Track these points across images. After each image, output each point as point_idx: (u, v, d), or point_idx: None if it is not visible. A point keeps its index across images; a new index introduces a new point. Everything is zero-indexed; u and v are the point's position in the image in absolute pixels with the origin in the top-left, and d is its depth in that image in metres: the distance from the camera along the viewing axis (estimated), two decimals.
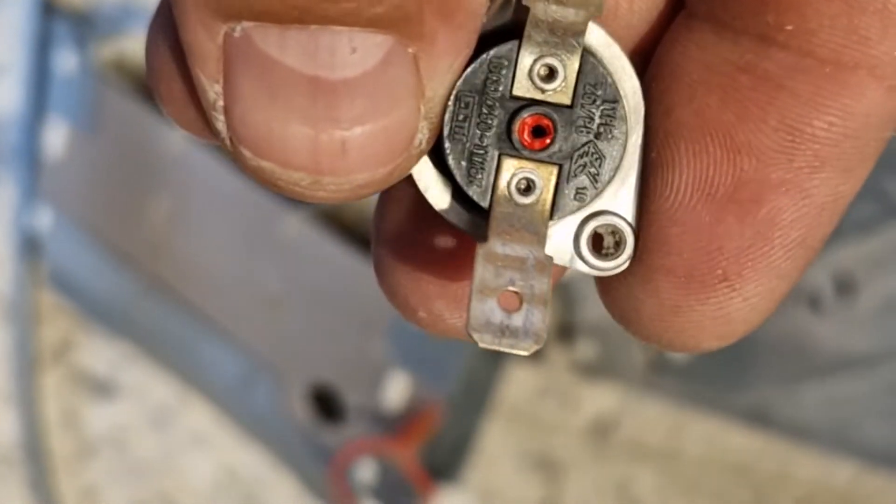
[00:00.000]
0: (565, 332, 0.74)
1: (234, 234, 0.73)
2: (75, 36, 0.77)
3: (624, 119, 0.22)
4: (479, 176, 0.21)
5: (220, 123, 0.20)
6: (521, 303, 0.20)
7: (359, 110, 0.20)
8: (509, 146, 0.21)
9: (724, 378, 0.70)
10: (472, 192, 0.21)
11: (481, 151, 0.21)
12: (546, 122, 0.21)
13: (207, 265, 0.74)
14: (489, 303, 0.20)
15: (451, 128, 0.21)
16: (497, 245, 0.21)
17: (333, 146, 0.20)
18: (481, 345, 0.20)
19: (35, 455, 0.77)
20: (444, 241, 0.23)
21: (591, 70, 0.21)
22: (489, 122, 0.21)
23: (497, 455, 0.74)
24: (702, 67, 0.21)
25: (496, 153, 0.21)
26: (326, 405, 0.71)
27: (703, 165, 0.21)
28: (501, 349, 0.20)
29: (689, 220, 0.22)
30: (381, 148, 0.20)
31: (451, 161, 0.21)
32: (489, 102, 0.21)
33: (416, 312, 0.23)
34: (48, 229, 0.80)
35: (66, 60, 0.78)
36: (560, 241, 0.22)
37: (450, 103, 0.21)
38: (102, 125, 0.76)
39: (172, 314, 0.76)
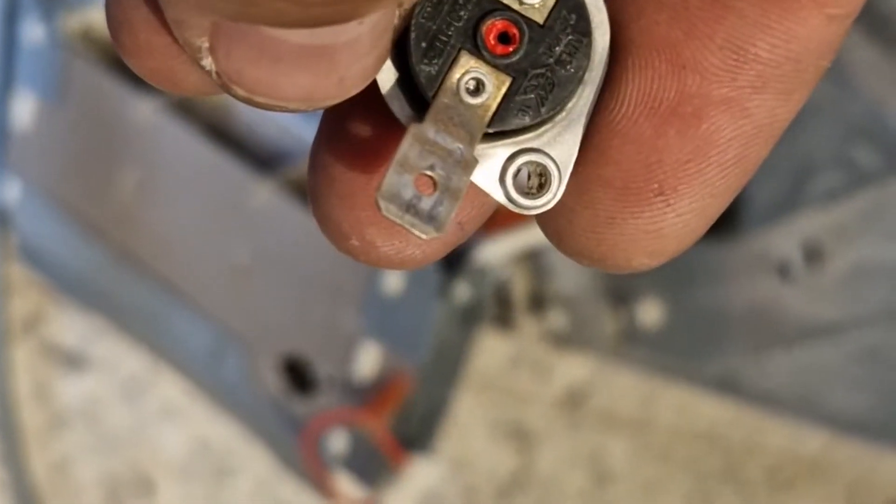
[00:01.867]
0: (536, 301, 0.74)
1: (203, 205, 0.73)
2: (42, 6, 0.77)
3: (586, 56, 0.22)
4: (435, 61, 0.22)
5: (206, 62, 0.20)
6: (434, 189, 0.20)
7: (358, 54, 0.20)
8: (472, 43, 0.22)
9: (695, 347, 0.70)
10: (422, 73, 0.22)
11: (444, 38, 0.22)
12: (514, 30, 0.22)
13: (176, 236, 0.74)
14: (405, 178, 0.20)
15: (422, 8, 0.21)
16: (430, 130, 0.21)
17: (331, 83, 0.20)
18: (384, 213, 0.20)
19: (6, 428, 0.77)
20: (380, 169, 0.23)
21: (572, 0, 0.22)
22: (461, 13, 0.22)
23: (469, 425, 0.74)
24: None
25: (458, 45, 0.22)
26: (297, 376, 0.71)
27: (649, 79, 0.22)
28: (402, 224, 0.20)
29: (631, 131, 0.22)
30: (373, 68, 0.21)
31: (412, 38, 0.21)
32: None
33: (349, 240, 0.23)
34: (16, 201, 0.80)
35: (33, 31, 0.77)
36: (488, 166, 0.22)
37: None
38: (70, 96, 0.76)
39: (142, 286, 0.75)
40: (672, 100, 0.22)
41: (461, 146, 0.21)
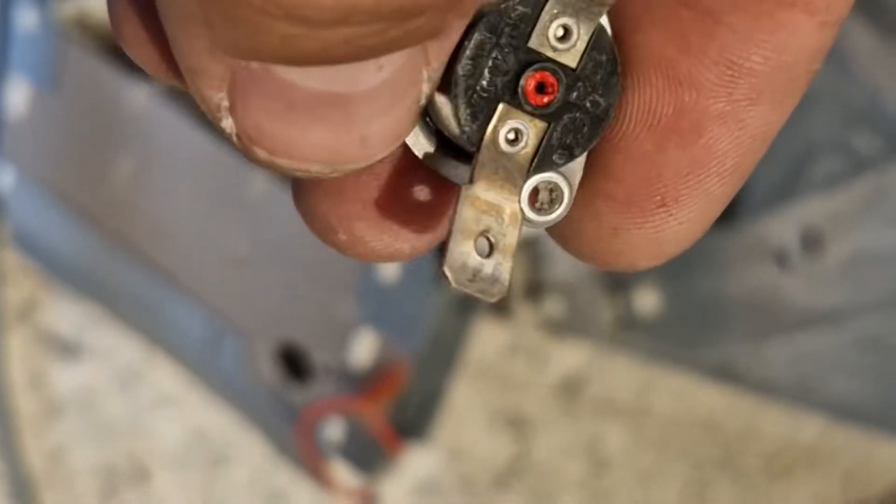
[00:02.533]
0: (533, 289, 0.74)
1: (199, 193, 0.73)
2: None
3: (616, 94, 0.22)
4: (478, 118, 0.22)
5: (227, 123, 0.20)
6: (492, 250, 0.21)
7: (379, 108, 0.20)
8: (512, 96, 0.22)
9: (692, 334, 0.70)
10: (465, 132, 0.21)
11: (485, 94, 0.21)
12: (552, 80, 0.22)
13: (172, 225, 0.74)
14: (467, 245, 0.21)
15: (464, 65, 0.21)
16: (481, 189, 0.21)
17: (353, 143, 0.20)
18: (454, 285, 0.20)
19: (1, 416, 0.77)
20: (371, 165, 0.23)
21: (600, 40, 0.22)
22: (501, 68, 0.21)
23: (466, 413, 0.74)
24: (644, 1, 0.22)
25: (498, 97, 0.22)
26: (294, 364, 0.71)
27: (647, 97, 0.22)
28: (472, 293, 0.21)
29: (632, 147, 0.22)
30: (397, 128, 0.21)
31: (457, 97, 0.21)
32: (505, 50, 0.21)
33: (336, 234, 0.23)
34: (10, 189, 0.79)
35: (27, 18, 0.77)
36: None
37: (469, 44, 0.21)
38: (65, 83, 0.76)
39: (138, 274, 0.75)
40: (670, 116, 0.22)
41: (508, 199, 0.21)
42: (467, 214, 0.21)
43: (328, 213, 0.23)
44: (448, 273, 0.20)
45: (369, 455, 0.69)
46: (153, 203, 0.74)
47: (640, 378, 0.73)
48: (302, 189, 0.23)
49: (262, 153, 0.20)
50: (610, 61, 0.22)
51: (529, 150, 0.22)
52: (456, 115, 0.21)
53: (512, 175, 0.22)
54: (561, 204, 0.23)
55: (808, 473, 0.71)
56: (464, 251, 0.20)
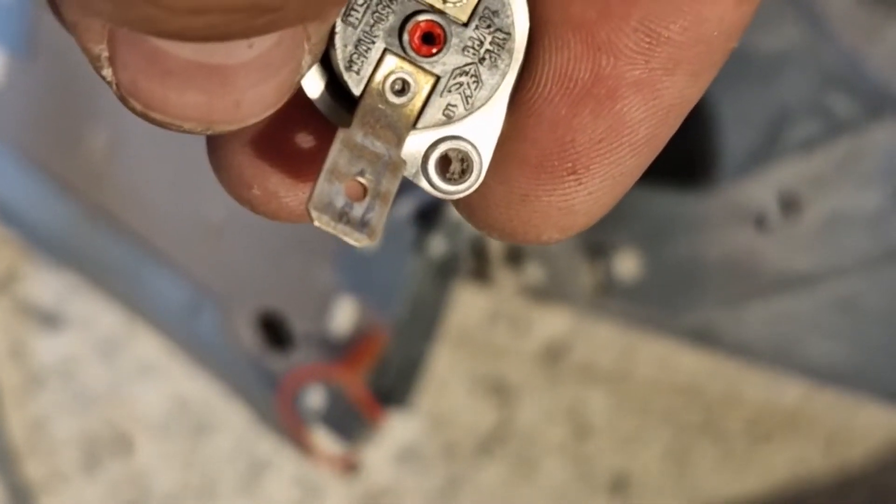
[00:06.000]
0: (513, 255, 0.74)
1: (175, 161, 0.73)
2: None
3: (509, 53, 0.22)
4: (360, 63, 0.22)
5: (106, 72, 0.20)
6: (364, 195, 0.21)
7: (253, 79, 0.20)
8: (397, 44, 0.22)
9: (672, 299, 0.70)
10: (349, 77, 0.22)
11: (368, 41, 0.22)
12: (438, 31, 0.22)
13: (150, 193, 0.74)
14: (336, 186, 0.20)
15: (346, 10, 0.21)
16: (358, 134, 0.21)
17: (227, 106, 0.20)
18: (316, 223, 0.20)
19: None
20: (288, 117, 0.23)
21: None
22: (384, 14, 0.22)
23: (448, 380, 0.74)
24: None
25: (382, 46, 0.22)
26: (274, 332, 0.71)
27: (564, 59, 0.22)
28: (335, 234, 0.21)
29: (547, 111, 0.22)
30: (272, 96, 0.21)
31: (337, 42, 0.21)
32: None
33: (250, 189, 0.23)
34: None
35: None
36: (410, 153, 0.22)
37: None
38: (40, 52, 0.75)
39: (117, 243, 0.75)
40: (586, 80, 0.22)
41: (389, 148, 0.21)
42: (340, 156, 0.21)
43: (243, 167, 0.23)
44: (311, 210, 0.20)
45: (350, 422, 0.69)
46: (129, 171, 0.74)
47: (622, 344, 0.73)
48: (217, 142, 0.23)
49: (137, 105, 0.20)
50: (502, 19, 0.22)
51: (417, 102, 0.22)
52: (340, 60, 0.22)
53: (396, 126, 0.22)
54: (471, 174, 0.22)
55: (790, 438, 0.71)
56: (331, 190, 0.20)
